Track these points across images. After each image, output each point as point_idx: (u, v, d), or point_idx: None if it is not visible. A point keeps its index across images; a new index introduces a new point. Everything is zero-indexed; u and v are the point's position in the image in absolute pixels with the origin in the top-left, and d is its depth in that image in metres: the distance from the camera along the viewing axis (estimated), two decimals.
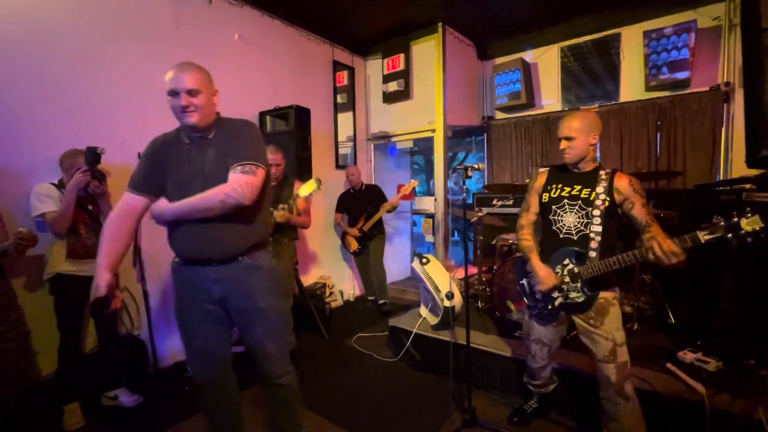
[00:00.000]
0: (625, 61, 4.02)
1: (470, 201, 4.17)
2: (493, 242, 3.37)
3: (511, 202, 3.71)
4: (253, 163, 1.42)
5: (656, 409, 1.88)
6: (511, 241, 3.21)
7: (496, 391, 2.46)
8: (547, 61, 4.53)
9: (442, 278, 2.93)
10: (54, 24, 2.42)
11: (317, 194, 2.95)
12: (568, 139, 1.74)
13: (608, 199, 1.69)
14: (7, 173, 2.26)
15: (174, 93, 1.41)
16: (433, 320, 2.93)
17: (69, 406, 2.22)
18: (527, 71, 4.52)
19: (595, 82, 4.34)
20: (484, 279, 3.52)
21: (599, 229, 1.69)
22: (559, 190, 1.81)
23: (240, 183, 1.38)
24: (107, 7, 2.65)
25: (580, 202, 1.75)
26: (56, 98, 2.43)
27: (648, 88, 3.82)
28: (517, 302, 2.88)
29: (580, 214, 1.74)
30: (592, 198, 1.71)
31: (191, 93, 1.42)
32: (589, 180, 1.76)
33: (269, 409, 1.71)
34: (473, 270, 3.71)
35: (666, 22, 3.66)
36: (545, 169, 2.01)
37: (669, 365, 2.13)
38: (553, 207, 1.81)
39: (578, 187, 1.77)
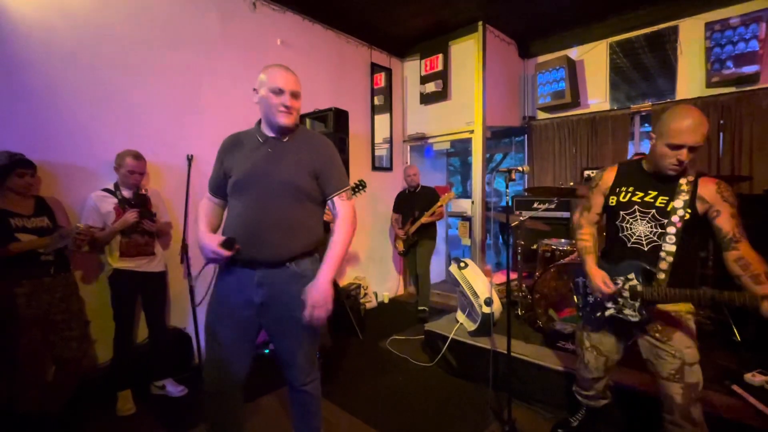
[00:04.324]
0: (682, 55, 3.74)
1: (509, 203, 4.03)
2: (535, 247, 3.24)
3: (554, 206, 3.55)
4: (347, 188, 1.58)
5: None
6: (554, 247, 3.07)
7: (536, 404, 2.35)
8: (593, 57, 4.31)
9: (480, 283, 2.85)
10: (109, 33, 2.58)
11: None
12: (693, 149, 1.41)
13: (689, 211, 1.46)
14: (73, 171, 2.44)
15: (279, 91, 1.44)
16: (471, 326, 2.86)
17: (122, 393, 2.36)
18: (572, 69, 4.32)
19: (647, 79, 4.06)
20: (524, 285, 3.39)
21: (672, 248, 1.48)
22: (629, 195, 1.59)
23: (352, 212, 1.56)
24: (158, 16, 2.79)
25: (653, 211, 1.53)
26: (112, 102, 2.59)
27: (709, 84, 3.53)
28: (560, 311, 2.76)
29: (652, 224, 1.54)
30: (668, 209, 1.50)
31: (295, 95, 1.48)
32: (668, 187, 1.52)
33: (292, 412, 1.72)
34: (512, 276, 3.58)
35: (731, 12, 3.38)
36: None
37: (735, 387, 1.95)
38: (622, 213, 1.61)
39: (653, 194, 1.54)
